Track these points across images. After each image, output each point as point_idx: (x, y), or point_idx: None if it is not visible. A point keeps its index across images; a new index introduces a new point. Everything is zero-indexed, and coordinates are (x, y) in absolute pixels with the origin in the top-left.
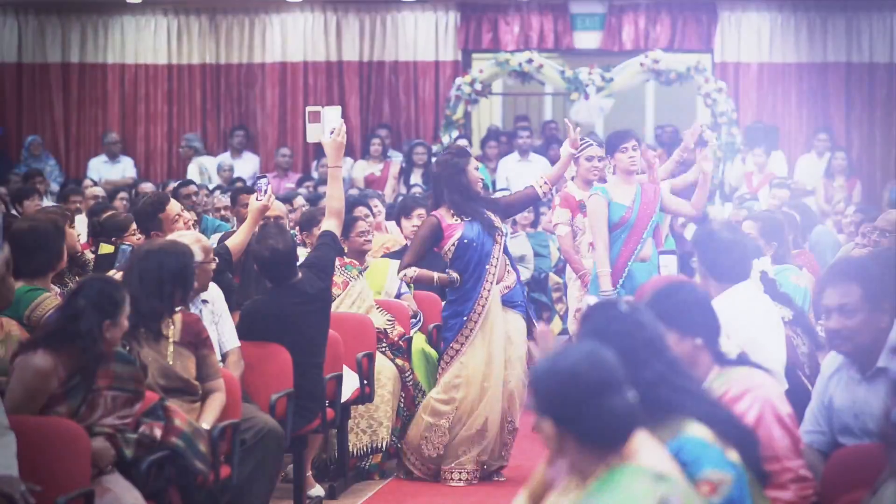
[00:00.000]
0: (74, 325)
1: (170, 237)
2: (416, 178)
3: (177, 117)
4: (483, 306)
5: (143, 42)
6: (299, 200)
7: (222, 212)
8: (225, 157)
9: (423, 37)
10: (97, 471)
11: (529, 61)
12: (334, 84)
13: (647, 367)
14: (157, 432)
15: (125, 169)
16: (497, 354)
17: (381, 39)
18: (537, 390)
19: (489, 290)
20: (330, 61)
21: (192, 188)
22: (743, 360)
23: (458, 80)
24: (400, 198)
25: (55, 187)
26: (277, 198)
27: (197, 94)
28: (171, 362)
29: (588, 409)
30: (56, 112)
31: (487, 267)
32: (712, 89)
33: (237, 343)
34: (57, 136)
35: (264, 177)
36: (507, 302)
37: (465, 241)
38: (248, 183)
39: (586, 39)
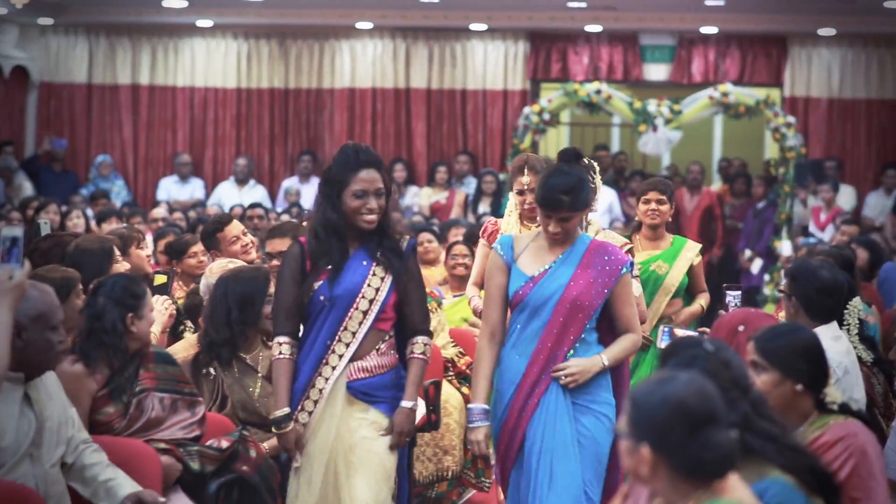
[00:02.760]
0: (99, 323)
1: (218, 263)
2: (484, 206)
3: (245, 141)
4: None
5: (213, 65)
6: None
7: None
8: (292, 182)
9: (492, 65)
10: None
11: (598, 92)
12: (402, 111)
13: (732, 408)
14: (224, 444)
15: (194, 190)
16: None
17: (450, 67)
18: (637, 414)
19: None
20: (398, 88)
21: (259, 211)
22: (844, 408)
23: (527, 110)
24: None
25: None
26: None
27: (265, 118)
28: (256, 396)
29: (691, 440)
30: (125, 133)
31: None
32: (781, 124)
33: None
34: (126, 157)
35: None
36: None
37: None
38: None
39: (656, 71)
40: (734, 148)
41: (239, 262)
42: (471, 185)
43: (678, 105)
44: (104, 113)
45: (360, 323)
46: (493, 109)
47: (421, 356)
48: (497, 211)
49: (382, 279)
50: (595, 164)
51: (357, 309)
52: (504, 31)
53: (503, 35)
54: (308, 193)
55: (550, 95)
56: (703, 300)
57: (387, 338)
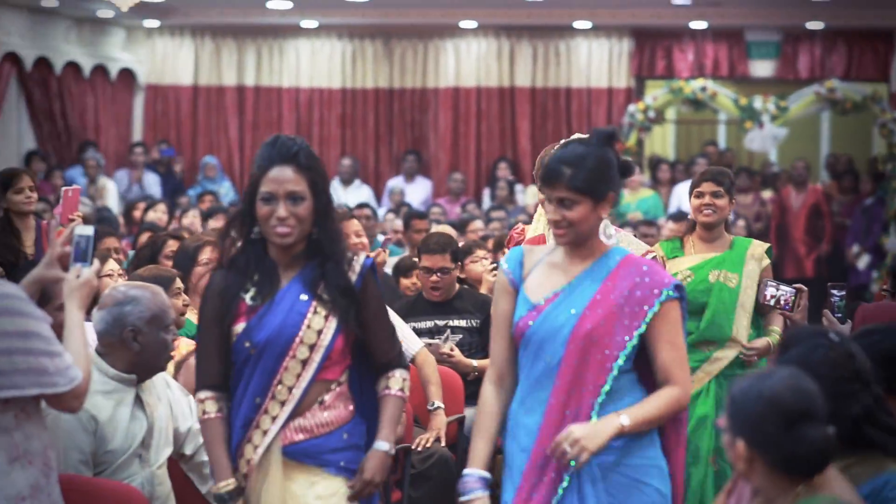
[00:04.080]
0: None
1: None
2: None
3: (350, 141)
4: None
5: (318, 66)
6: (476, 224)
7: (398, 236)
8: (397, 182)
9: (596, 63)
10: None
11: (703, 89)
12: (506, 109)
13: (854, 401)
14: None
15: None
16: None
17: (554, 65)
18: (735, 409)
19: None
20: (503, 87)
21: (367, 211)
22: None
23: (631, 108)
24: None
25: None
26: (453, 224)
27: (370, 118)
28: None
29: (785, 436)
30: (231, 134)
31: None
32: (889, 119)
33: (420, 343)
34: (232, 158)
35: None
36: None
37: None
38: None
39: (761, 67)
40: (841, 144)
41: None
42: None
43: (784, 101)
44: (210, 114)
45: (299, 375)
46: (597, 107)
47: (397, 393)
48: None
49: (326, 318)
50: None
51: (294, 358)
52: (608, 28)
53: (607, 33)
54: (413, 193)
55: (655, 93)
56: (777, 325)
57: (333, 387)
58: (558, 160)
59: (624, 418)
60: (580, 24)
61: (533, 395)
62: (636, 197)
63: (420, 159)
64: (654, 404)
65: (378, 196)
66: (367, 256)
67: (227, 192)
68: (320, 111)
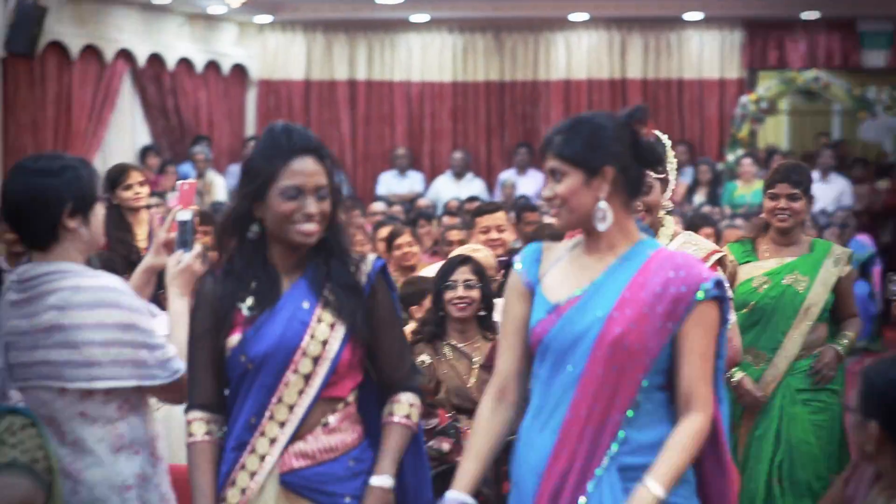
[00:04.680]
0: None
1: (461, 249)
2: (700, 196)
3: (461, 134)
4: None
5: (429, 59)
6: None
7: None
8: (509, 174)
9: (707, 55)
10: None
11: (816, 79)
12: (617, 102)
13: None
14: (446, 447)
15: (413, 184)
16: None
17: (665, 57)
18: (869, 390)
19: None
20: (614, 79)
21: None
22: None
23: (744, 99)
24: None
25: None
26: None
27: (482, 111)
28: (470, 385)
29: None
30: (343, 128)
31: None
32: None
33: None
34: (344, 152)
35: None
36: None
37: None
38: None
39: (874, 57)
40: None
41: (484, 250)
42: (689, 174)
43: None
44: (322, 109)
45: (301, 392)
46: (709, 99)
47: (403, 421)
48: (715, 200)
49: (332, 326)
50: (666, 139)
51: (296, 372)
52: (720, 19)
53: (719, 24)
54: (525, 186)
55: (767, 84)
56: (852, 330)
57: (340, 407)
58: (555, 129)
59: (655, 487)
60: (691, 16)
61: (549, 409)
62: (750, 189)
63: (532, 152)
64: (678, 449)
65: (490, 189)
66: (378, 258)
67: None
68: (432, 105)
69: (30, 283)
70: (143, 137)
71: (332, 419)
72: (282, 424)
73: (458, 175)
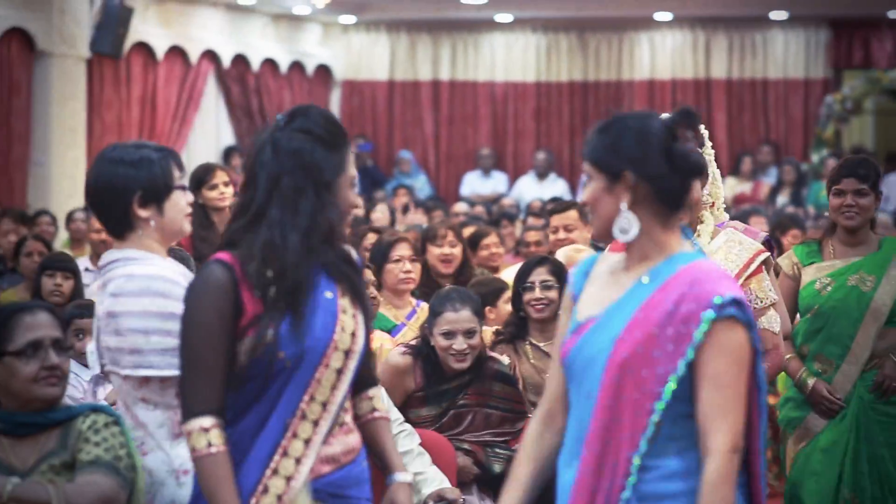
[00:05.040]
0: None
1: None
2: (783, 197)
3: (545, 134)
4: None
5: (513, 59)
6: None
7: None
8: None
9: (792, 54)
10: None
11: None
12: (702, 101)
13: None
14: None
15: (497, 184)
16: None
17: (750, 57)
18: None
19: None
20: (698, 79)
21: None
22: None
23: (829, 99)
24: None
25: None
26: None
27: (565, 111)
28: None
29: None
30: (427, 128)
31: None
32: None
33: None
34: (427, 152)
35: None
36: None
37: None
38: None
39: None
40: None
41: (587, 250)
42: (773, 175)
43: None
44: (406, 109)
45: (334, 388)
46: (794, 98)
47: (385, 414)
48: (799, 201)
49: (355, 317)
50: (706, 134)
51: (328, 367)
52: (805, 19)
53: (804, 23)
54: None
55: (853, 83)
56: None
57: (349, 404)
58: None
59: None
60: (776, 15)
61: (573, 441)
62: None
63: None
64: None
65: (573, 189)
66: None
67: (422, 186)
68: (515, 105)
69: (103, 270)
70: (227, 137)
71: (347, 418)
72: (315, 423)
73: (542, 175)
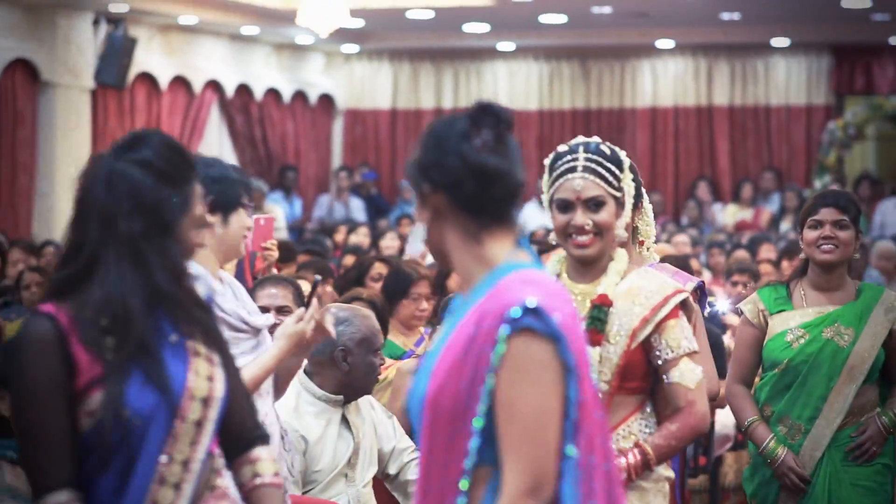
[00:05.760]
0: None
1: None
2: (786, 223)
3: None
4: None
5: (516, 87)
6: (681, 238)
7: None
8: None
9: (794, 80)
10: None
11: None
12: (704, 128)
13: None
14: None
15: None
16: None
17: (752, 84)
18: None
19: None
20: (700, 106)
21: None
22: None
23: (831, 125)
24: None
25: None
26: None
27: (567, 139)
28: None
29: None
30: None
31: None
32: None
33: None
34: None
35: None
36: None
37: None
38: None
39: None
40: None
41: None
42: (776, 201)
43: None
44: (409, 138)
45: (194, 444)
46: (796, 125)
47: (273, 479)
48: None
49: (210, 359)
50: (624, 155)
51: (185, 419)
52: (807, 45)
53: (806, 50)
54: None
55: (855, 109)
56: None
57: (221, 463)
58: None
59: None
60: (778, 42)
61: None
62: None
63: None
64: None
65: None
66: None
67: None
68: (518, 133)
69: None
70: None
71: (219, 481)
72: (176, 486)
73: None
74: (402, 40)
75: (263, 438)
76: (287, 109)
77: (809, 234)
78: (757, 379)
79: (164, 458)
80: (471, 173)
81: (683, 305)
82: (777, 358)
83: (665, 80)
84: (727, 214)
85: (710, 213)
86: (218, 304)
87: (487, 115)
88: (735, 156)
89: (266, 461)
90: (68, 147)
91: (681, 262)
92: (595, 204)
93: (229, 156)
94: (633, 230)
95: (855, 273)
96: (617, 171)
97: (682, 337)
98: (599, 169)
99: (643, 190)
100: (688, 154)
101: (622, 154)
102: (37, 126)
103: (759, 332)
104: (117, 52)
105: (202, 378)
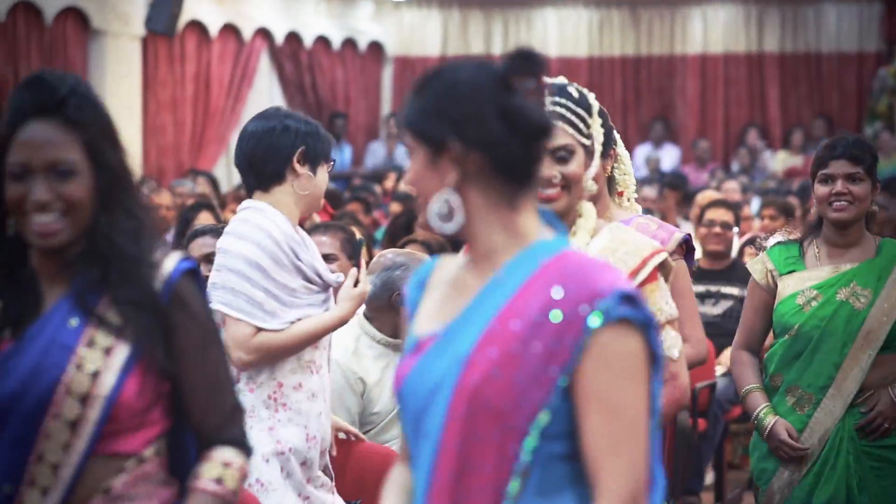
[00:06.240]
0: None
1: None
2: None
3: None
4: None
5: (565, 34)
6: (731, 184)
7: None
8: (647, 149)
9: (846, 28)
10: None
11: None
12: (755, 76)
13: None
14: None
15: None
16: None
17: (802, 31)
18: None
19: None
20: (750, 53)
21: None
22: None
23: (882, 72)
24: None
25: None
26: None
27: (617, 86)
28: None
29: None
30: None
31: None
32: None
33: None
34: None
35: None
36: None
37: None
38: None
39: None
40: None
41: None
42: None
43: None
44: None
45: (67, 446)
46: (847, 72)
47: (211, 487)
48: None
49: (109, 352)
50: (593, 98)
51: (58, 417)
52: None
53: None
54: (664, 160)
55: None
56: None
57: (131, 464)
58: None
59: None
60: None
61: (419, 489)
62: (890, 163)
63: (668, 126)
64: None
65: None
66: (185, 259)
67: None
68: (567, 80)
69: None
70: None
71: (116, 482)
72: (45, 491)
73: None
74: None
75: (230, 439)
76: (336, 57)
77: (820, 190)
78: (768, 345)
79: (32, 458)
80: (517, 131)
81: (661, 266)
82: (787, 323)
83: (715, 27)
84: (777, 161)
85: (761, 160)
86: (297, 252)
87: (529, 63)
88: (785, 103)
89: (213, 464)
90: (119, 95)
91: (733, 208)
92: (563, 153)
93: (279, 104)
94: (609, 180)
95: (877, 227)
96: (587, 117)
97: (662, 302)
98: (568, 114)
99: (616, 135)
100: (738, 101)
101: (591, 97)
102: (87, 74)
103: (767, 294)
104: (167, 1)
105: (84, 373)
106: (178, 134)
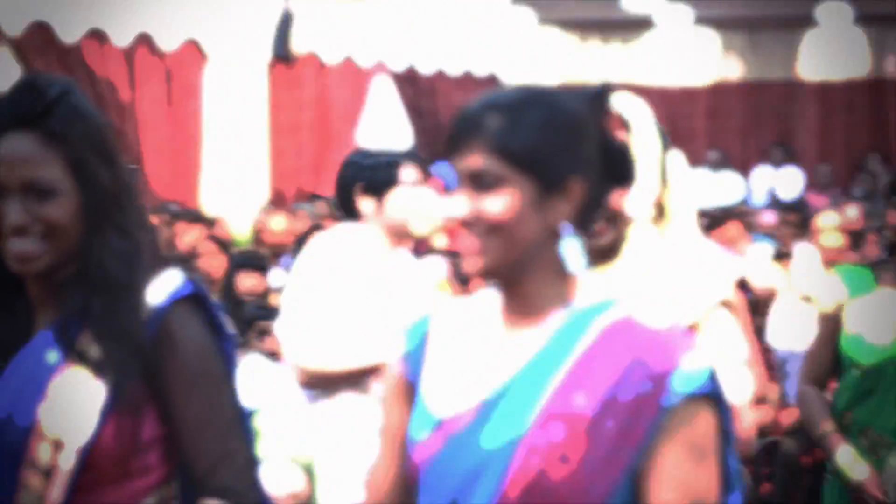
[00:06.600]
0: None
1: None
2: None
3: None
4: None
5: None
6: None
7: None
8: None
9: None
10: None
11: None
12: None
13: None
14: None
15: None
16: None
17: None
18: None
19: None
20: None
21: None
22: None
23: None
24: None
25: None
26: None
27: (736, 111)
28: None
29: None
30: None
31: None
32: None
33: None
34: None
35: None
36: None
37: None
38: None
39: None
40: None
41: None
42: None
43: None
44: None
45: (41, 498)
46: None
47: None
48: None
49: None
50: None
51: (34, 466)
52: None
53: None
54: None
55: None
56: None
57: None
58: (481, 102)
59: None
60: None
61: None
62: None
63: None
64: None
65: None
66: (186, 283)
67: None
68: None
69: None
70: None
71: None
72: None
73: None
74: (569, 11)
75: (214, 490)
76: (455, 84)
77: None
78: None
79: None
80: (613, 175)
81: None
82: (855, 356)
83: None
84: None
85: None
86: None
87: (606, 99)
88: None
89: None
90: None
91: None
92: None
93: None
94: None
95: None
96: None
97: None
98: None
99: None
100: (859, 127)
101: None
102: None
103: (833, 322)
104: (286, 26)
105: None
106: (297, 157)
